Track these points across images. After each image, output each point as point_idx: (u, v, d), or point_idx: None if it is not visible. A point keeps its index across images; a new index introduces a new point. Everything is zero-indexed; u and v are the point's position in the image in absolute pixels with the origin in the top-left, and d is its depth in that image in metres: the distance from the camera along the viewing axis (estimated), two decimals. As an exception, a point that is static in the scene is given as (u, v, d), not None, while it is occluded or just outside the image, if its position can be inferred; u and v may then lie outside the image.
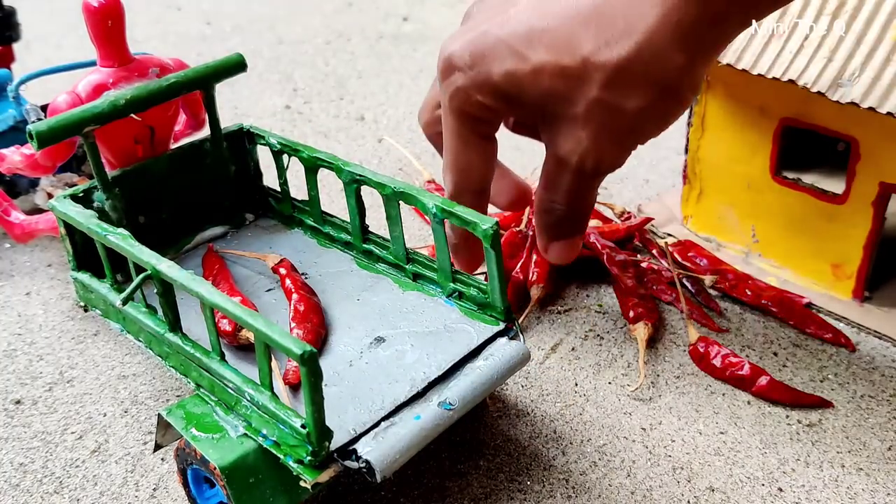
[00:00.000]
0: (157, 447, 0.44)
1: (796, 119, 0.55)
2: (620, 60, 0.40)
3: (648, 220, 0.64)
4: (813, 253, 0.58)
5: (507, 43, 0.41)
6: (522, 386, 0.52)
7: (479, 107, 0.43)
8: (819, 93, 0.50)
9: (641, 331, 0.54)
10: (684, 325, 0.57)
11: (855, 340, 0.54)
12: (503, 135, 0.47)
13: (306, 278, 0.51)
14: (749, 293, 0.57)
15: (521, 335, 0.46)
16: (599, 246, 0.60)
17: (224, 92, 0.90)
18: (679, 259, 0.61)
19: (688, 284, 0.59)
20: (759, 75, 0.53)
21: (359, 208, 0.51)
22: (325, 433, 0.37)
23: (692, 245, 0.62)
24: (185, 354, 0.43)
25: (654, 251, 0.62)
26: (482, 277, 0.47)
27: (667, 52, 0.39)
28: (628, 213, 0.65)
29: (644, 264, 0.60)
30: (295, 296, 0.48)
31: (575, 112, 0.41)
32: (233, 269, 0.52)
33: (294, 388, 0.43)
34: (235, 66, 0.53)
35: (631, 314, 0.55)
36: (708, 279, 0.58)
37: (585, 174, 0.44)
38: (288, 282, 0.49)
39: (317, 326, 0.46)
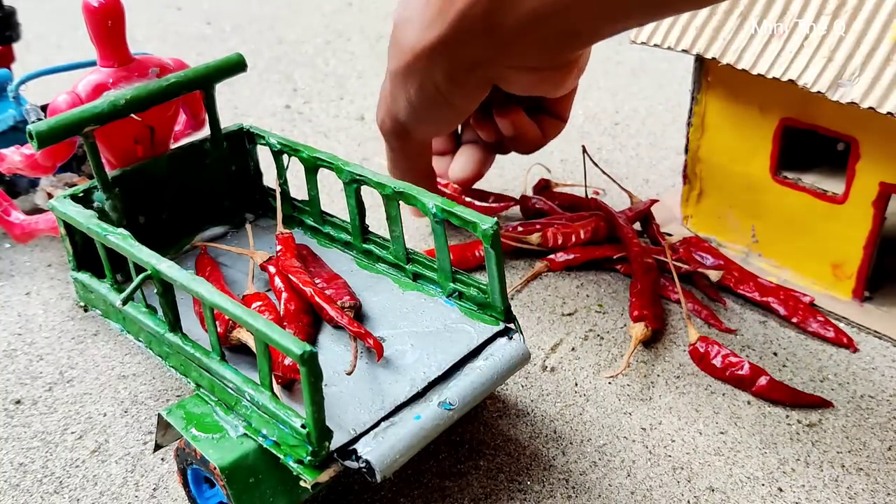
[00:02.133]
0: (157, 447, 0.44)
1: (796, 119, 0.55)
2: (398, 20, 0.45)
3: (653, 202, 0.64)
4: (813, 253, 0.58)
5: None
6: (522, 386, 0.52)
7: None
8: (819, 93, 0.50)
9: (638, 329, 0.54)
10: (684, 324, 0.57)
11: (855, 340, 0.54)
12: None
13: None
14: (753, 290, 0.58)
15: (520, 335, 0.46)
16: (630, 244, 0.60)
17: (224, 92, 0.90)
18: (683, 261, 0.61)
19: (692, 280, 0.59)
20: (759, 75, 0.53)
21: (359, 208, 0.51)
22: (325, 433, 0.37)
23: (697, 242, 0.62)
24: (185, 354, 0.43)
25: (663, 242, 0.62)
26: (483, 277, 0.47)
27: (416, 28, 0.44)
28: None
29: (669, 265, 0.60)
30: (285, 295, 0.47)
31: None
32: (226, 271, 0.52)
33: (285, 386, 0.43)
34: (235, 66, 0.53)
35: (635, 313, 0.55)
36: (714, 274, 0.58)
37: (382, 127, 0.52)
38: (277, 281, 0.49)
39: (306, 326, 0.46)
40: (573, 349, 0.55)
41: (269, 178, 0.59)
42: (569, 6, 0.39)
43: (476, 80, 0.46)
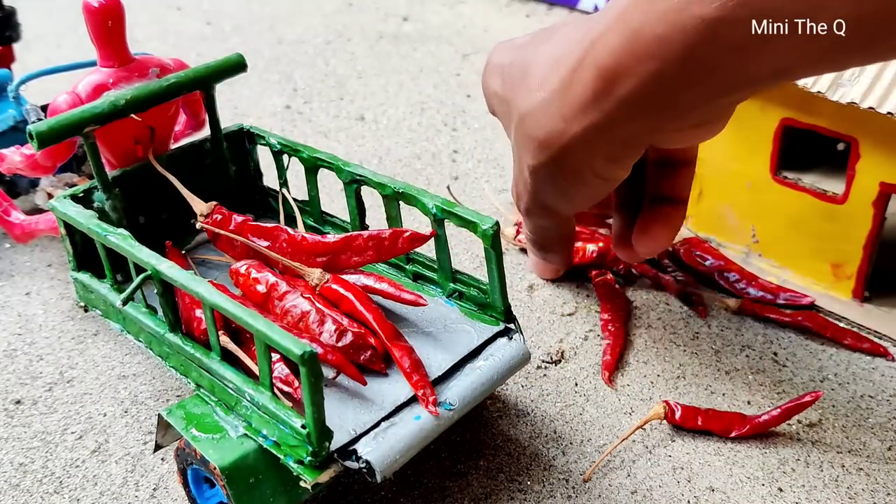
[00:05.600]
0: (157, 447, 0.44)
1: (796, 119, 0.55)
2: (527, 109, 0.41)
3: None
4: (813, 253, 0.58)
5: (498, 63, 0.46)
6: (522, 386, 0.52)
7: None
8: (819, 93, 0.50)
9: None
10: (684, 324, 0.57)
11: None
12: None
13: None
14: (781, 313, 0.56)
15: (520, 335, 0.46)
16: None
17: (224, 92, 0.90)
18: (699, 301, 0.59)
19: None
20: (759, 75, 0.53)
21: (359, 208, 0.51)
22: (326, 433, 0.37)
23: (698, 243, 0.62)
24: (185, 354, 0.43)
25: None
26: (483, 277, 0.47)
27: (557, 118, 0.39)
28: None
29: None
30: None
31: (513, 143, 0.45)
32: (209, 273, 0.52)
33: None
34: (235, 66, 0.53)
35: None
36: (732, 302, 0.57)
37: (518, 207, 0.47)
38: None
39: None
40: (573, 349, 0.55)
41: (270, 179, 0.59)
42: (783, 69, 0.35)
43: (636, 150, 0.41)
